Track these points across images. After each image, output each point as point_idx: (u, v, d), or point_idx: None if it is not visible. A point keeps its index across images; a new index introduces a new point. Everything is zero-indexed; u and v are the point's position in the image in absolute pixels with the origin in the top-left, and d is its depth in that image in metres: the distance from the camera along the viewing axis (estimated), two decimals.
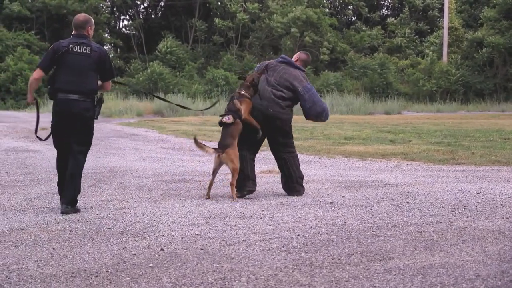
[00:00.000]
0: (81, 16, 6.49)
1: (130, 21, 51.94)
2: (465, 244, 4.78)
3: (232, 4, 44.95)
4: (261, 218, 5.91)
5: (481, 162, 10.90)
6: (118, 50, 51.12)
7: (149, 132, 18.59)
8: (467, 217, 5.86)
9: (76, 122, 6.28)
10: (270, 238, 5.05)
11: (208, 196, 7.09)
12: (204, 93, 37.26)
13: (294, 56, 7.75)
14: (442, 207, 6.35)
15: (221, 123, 7.19)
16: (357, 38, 49.77)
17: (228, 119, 7.12)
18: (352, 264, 4.29)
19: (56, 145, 6.46)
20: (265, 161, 10.76)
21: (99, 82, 6.47)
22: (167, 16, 49.85)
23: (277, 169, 7.74)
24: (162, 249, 4.71)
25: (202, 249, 4.71)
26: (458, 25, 45.62)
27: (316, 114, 7.49)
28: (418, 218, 5.84)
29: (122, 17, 53.60)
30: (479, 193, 7.12)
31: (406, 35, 50.38)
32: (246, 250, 4.69)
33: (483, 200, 6.69)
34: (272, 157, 7.74)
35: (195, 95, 35.76)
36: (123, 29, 53.35)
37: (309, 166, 10.39)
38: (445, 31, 43.80)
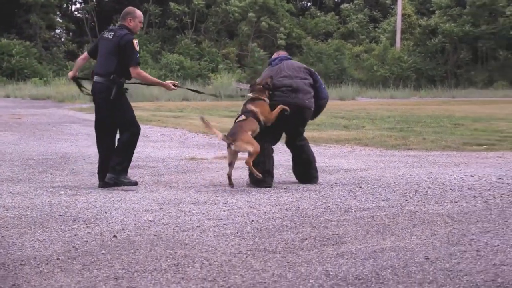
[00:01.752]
0: (126, 8, 7.16)
1: (83, 4, 50.98)
2: (415, 228, 4.88)
3: None
4: (215, 204, 5.90)
5: (432, 147, 11.12)
6: (71, 33, 50.16)
7: None
8: (418, 201, 5.98)
9: (98, 102, 6.86)
10: (224, 224, 5.05)
11: (231, 185, 6.79)
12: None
13: (275, 55, 7.53)
14: (394, 192, 6.46)
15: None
16: (312, 24, 50.01)
17: (241, 117, 6.86)
18: (305, 248, 4.33)
19: (95, 126, 7.06)
20: (220, 147, 10.74)
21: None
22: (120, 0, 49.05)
23: None
24: (115, 236, 4.66)
25: (155, 235, 4.68)
26: (411, 12, 46.28)
27: (326, 96, 7.38)
28: (371, 202, 5.93)
29: (74, 0, 52.57)
30: (429, 178, 7.26)
31: (359, 20, 50.85)
32: (200, 236, 4.68)
33: (433, 185, 6.83)
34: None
35: None
36: (76, 13, 52.34)
37: None
38: (399, 18, 44.38)
